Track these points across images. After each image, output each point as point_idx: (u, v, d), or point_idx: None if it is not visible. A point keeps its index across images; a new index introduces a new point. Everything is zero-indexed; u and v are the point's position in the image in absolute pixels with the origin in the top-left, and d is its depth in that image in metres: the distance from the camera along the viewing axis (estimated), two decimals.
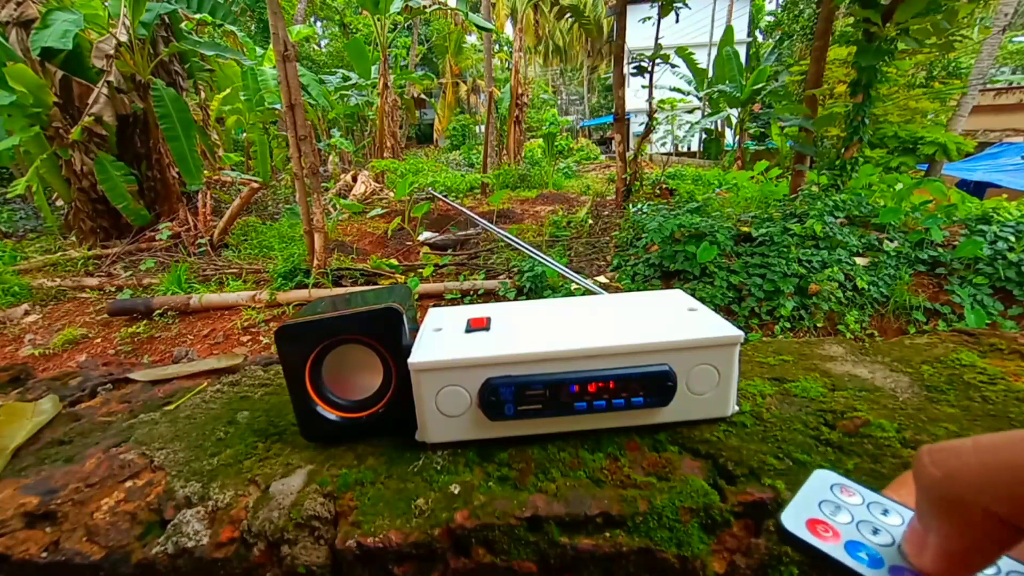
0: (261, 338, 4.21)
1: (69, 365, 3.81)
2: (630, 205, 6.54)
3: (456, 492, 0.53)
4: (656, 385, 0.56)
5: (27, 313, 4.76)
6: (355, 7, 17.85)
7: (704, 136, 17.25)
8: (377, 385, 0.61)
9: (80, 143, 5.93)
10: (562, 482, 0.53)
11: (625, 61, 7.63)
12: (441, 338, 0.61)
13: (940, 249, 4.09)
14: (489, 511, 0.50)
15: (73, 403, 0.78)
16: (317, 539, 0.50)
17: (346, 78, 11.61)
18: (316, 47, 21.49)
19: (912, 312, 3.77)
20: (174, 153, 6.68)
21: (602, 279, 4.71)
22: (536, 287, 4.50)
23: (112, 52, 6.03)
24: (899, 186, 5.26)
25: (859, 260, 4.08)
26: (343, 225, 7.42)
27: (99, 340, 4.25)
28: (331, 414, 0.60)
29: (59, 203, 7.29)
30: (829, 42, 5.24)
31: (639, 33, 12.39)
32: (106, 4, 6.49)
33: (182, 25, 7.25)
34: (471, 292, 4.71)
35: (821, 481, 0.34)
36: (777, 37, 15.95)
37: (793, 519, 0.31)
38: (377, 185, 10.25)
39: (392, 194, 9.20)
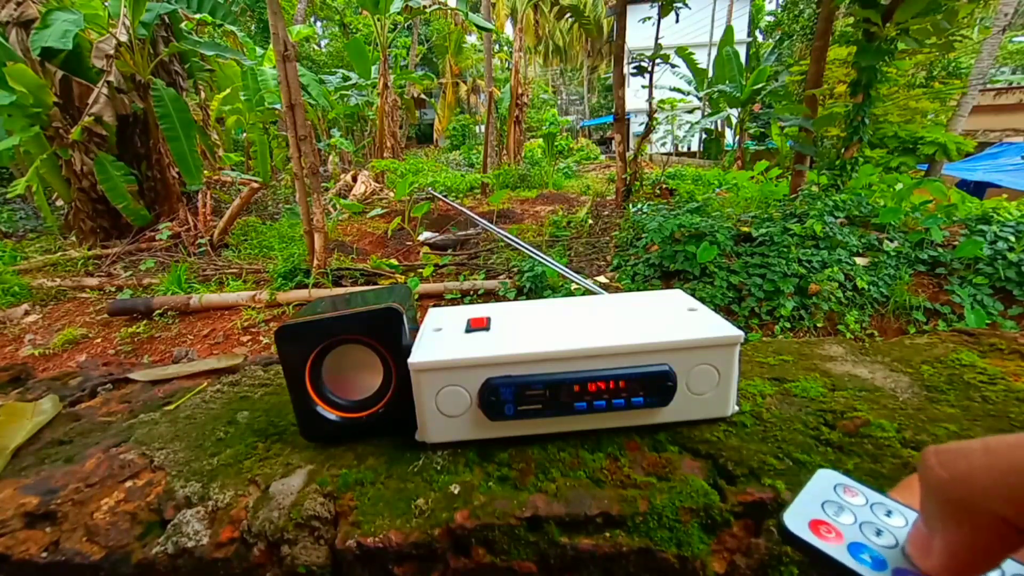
0: (261, 338, 4.21)
1: (69, 365, 3.81)
2: (630, 205, 6.54)
3: (456, 492, 0.53)
4: (656, 385, 0.56)
5: (27, 313, 4.76)
6: (355, 7, 17.84)
7: (704, 136, 17.25)
8: (377, 385, 0.61)
9: (80, 143, 5.93)
10: (562, 482, 0.53)
11: (625, 61, 7.63)
12: (441, 338, 0.61)
13: (940, 249, 4.09)
14: (489, 511, 0.50)
15: (73, 403, 0.78)
16: (317, 539, 0.50)
17: (346, 78, 11.61)
18: (316, 47, 21.48)
19: (912, 312, 3.77)
20: (174, 153, 6.68)
21: (602, 279, 4.71)
22: (536, 287, 4.50)
23: (112, 52, 6.03)
24: (899, 186, 5.26)
25: (859, 260, 4.08)
26: (343, 225, 7.42)
27: (99, 340, 4.25)
28: (331, 414, 0.60)
29: (59, 203, 7.29)
30: (829, 42, 5.23)
31: (639, 33, 12.39)
32: (106, 4, 6.49)
33: (182, 25, 7.25)
34: (471, 292, 4.71)
35: (824, 481, 0.34)
36: (777, 37, 15.95)
37: (795, 519, 0.30)
38: (377, 185, 10.25)
39: (392, 194, 9.20)
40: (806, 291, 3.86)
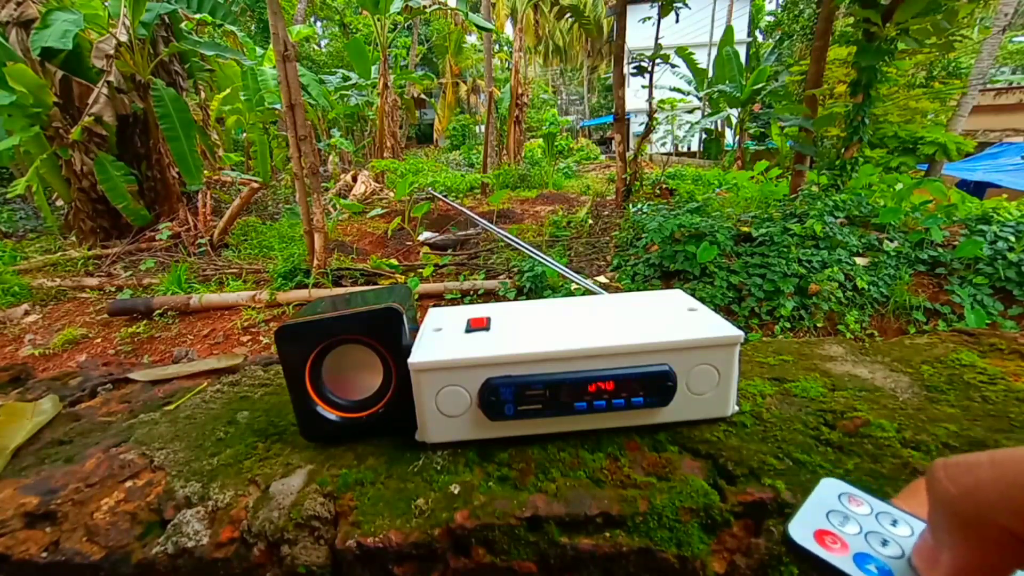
0: (261, 338, 4.21)
1: (69, 365, 3.81)
2: (630, 205, 6.54)
3: (456, 492, 0.53)
4: (656, 385, 0.56)
5: (27, 313, 4.76)
6: (355, 7, 17.85)
7: (704, 136, 17.25)
8: (377, 385, 0.61)
9: (80, 143, 5.93)
10: (562, 482, 0.53)
11: (625, 61, 7.62)
12: (441, 338, 0.61)
13: (940, 249, 4.09)
14: (489, 511, 0.50)
15: (73, 403, 0.78)
16: (317, 539, 0.50)
17: (346, 78, 11.61)
18: (316, 47, 21.48)
19: (912, 312, 3.77)
20: (174, 153, 6.68)
21: (602, 279, 4.71)
22: (536, 287, 4.50)
23: (112, 52, 6.03)
24: (899, 186, 5.26)
25: (859, 260, 4.08)
26: (343, 225, 7.42)
27: (99, 340, 4.25)
28: (331, 414, 0.60)
29: (59, 203, 7.29)
30: (829, 42, 5.23)
31: (639, 33, 12.39)
32: (106, 4, 6.49)
33: (182, 25, 7.24)
34: (471, 292, 4.71)
35: (828, 490, 0.34)
36: (777, 37, 15.95)
37: (801, 530, 0.30)
38: (377, 185, 10.25)
39: (392, 194, 9.20)
40: (806, 291, 3.86)
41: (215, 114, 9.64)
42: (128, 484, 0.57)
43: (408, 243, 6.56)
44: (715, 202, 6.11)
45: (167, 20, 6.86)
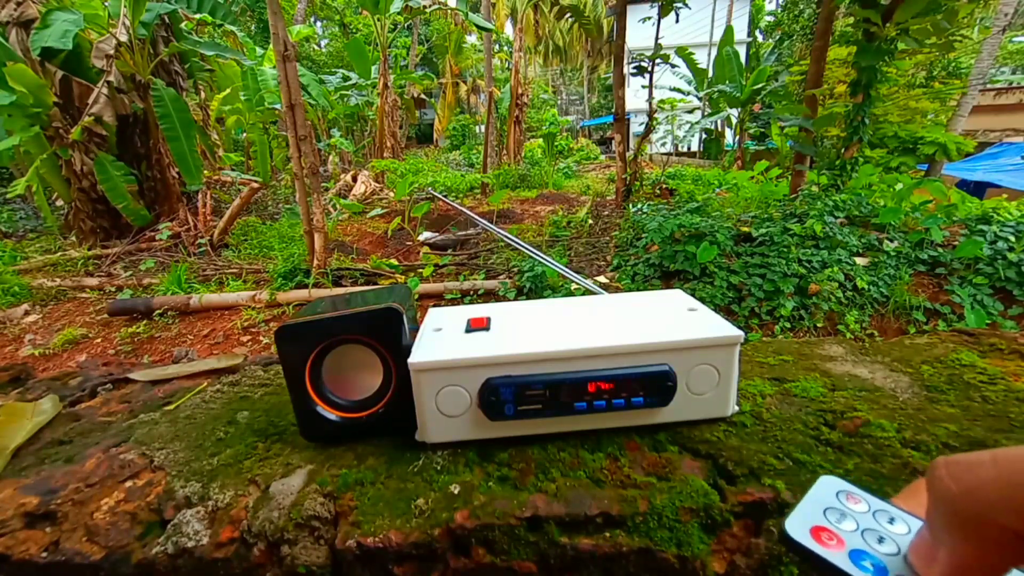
0: (261, 338, 4.21)
1: (69, 365, 3.81)
2: (630, 205, 6.53)
3: (456, 492, 0.53)
4: (656, 385, 0.56)
5: (27, 313, 4.76)
6: (355, 7, 17.84)
7: (704, 136, 17.24)
8: (377, 385, 0.61)
9: (80, 143, 5.93)
10: (562, 482, 0.53)
11: (625, 61, 7.62)
12: (441, 338, 0.61)
13: (940, 249, 4.09)
14: (489, 511, 0.50)
15: (73, 403, 0.78)
16: (317, 539, 0.50)
17: (346, 78, 11.61)
18: (316, 47, 21.48)
19: (912, 312, 3.77)
20: (174, 153, 6.68)
21: (602, 279, 4.71)
22: (536, 287, 4.50)
23: (112, 52, 6.02)
24: (899, 186, 5.25)
25: (859, 260, 4.08)
26: (343, 225, 7.42)
27: (99, 340, 4.25)
28: (331, 414, 0.60)
29: (59, 203, 7.29)
30: (829, 42, 5.23)
31: (639, 33, 12.39)
32: (106, 4, 6.48)
33: (182, 25, 7.24)
34: (471, 292, 4.71)
35: (827, 487, 0.34)
36: (777, 37, 15.94)
37: (797, 526, 0.30)
38: (377, 185, 10.25)
39: (392, 194, 9.20)
40: (806, 291, 3.86)
41: (215, 114, 9.64)
42: (128, 484, 0.57)
43: (408, 243, 6.55)
44: (715, 202, 6.11)
45: (167, 20, 6.86)
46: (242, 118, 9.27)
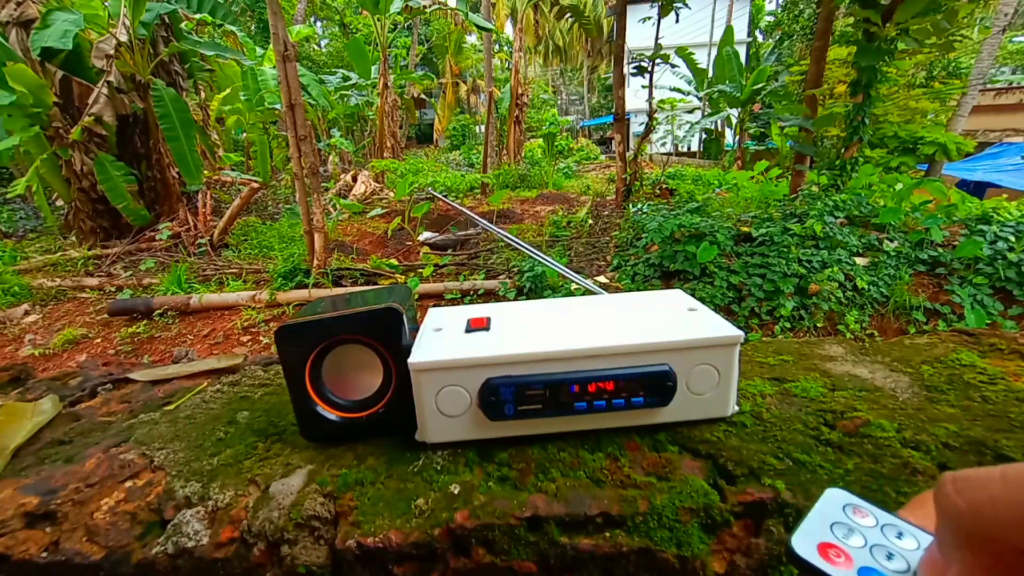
0: (261, 338, 4.21)
1: (69, 365, 3.81)
2: (630, 205, 6.53)
3: (456, 492, 0.53)
4: (656, 385, 0.56)
5: (27, 313, 4.76)
6: (355, 7, 17.85)
7: (704, 136, 17.25)
8: (377, 385, 0.61)
9: (80, 143, 5.93)
10: (562, 482, 0.53)
11: (625, 61, 7.62)
12: (441, 338, 0.61)
13: (940, 249, 4.09)
14: (489, 511, 0.50)
15: (73, 403, 0.78)
16: (317, 539, 0.50)
17: (346, 78, 11.61)
18: (316, 47, 21.48)
19: (912, 312, 3.77)
20: (174, 153, 6.68)
21: (602, 279, 4.71)
22: (536, 287, 4.50)
23: (112, 52, 6.03)
24: (899, 186, 5.25)
25: (859, 260, 4.08)
26: (343, 225, 7.42)
27: (99, 340, 4.25)
28: (331, 414, 0.60)
29: (59, 203, 7.29)
30: (829, 42, 5.23)
31: (639, 33, 12.39)
32: (106, 4, 6.48)
33: (182, 25, 7.24)
34: (471, 292, 4.71)
35: (833, 501, 0.33)
36: (777, 37, 15.95)
37: (804, 542, 0.30)
38: (377, 185, 10.25)
39: (392, 194, 9.20)
40: (806, 291, 3.86)
41: (215, 114, 9.64)
42: (128, 484, 0.57)
43: (408, 243, 6.55)
44: (715, 202, 6.11)
45: (167, 20, 6.86)
46: (242, 118, 9.27)
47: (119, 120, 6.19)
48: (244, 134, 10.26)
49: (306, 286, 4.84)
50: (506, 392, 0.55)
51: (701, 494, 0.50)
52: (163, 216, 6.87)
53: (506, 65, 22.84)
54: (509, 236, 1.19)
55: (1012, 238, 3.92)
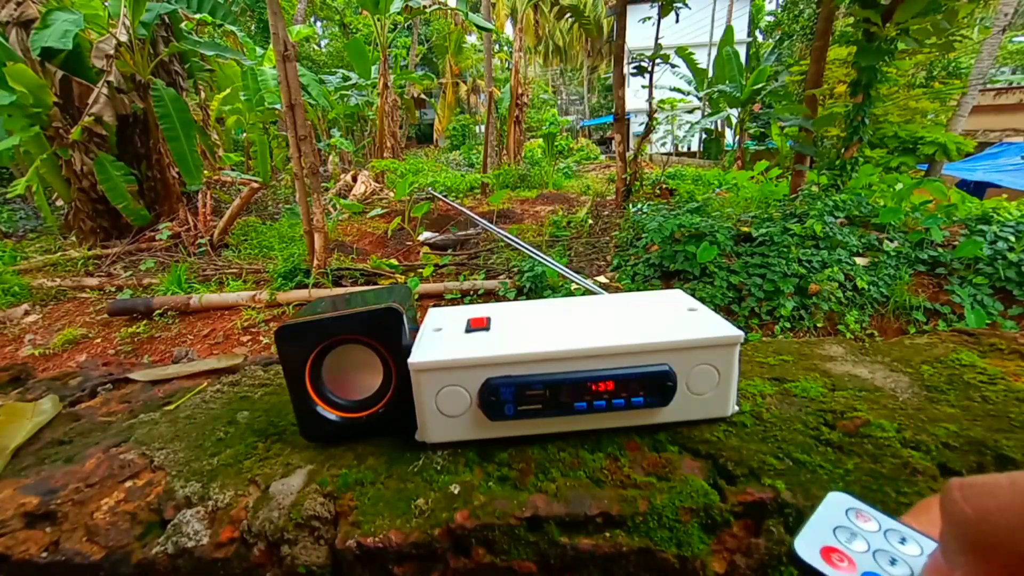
0: (261, 338, 4.21)
1: (69, 365, 3.81)
2: (630, 205, 6.53)
3: (456, 492, 0.53)
4: (656, 385, 0.56)
5: (27, 313, 4.76)
6: (355, 7, 17.85)
7: (704, 136, 17.25)
8: (377, 385, 0.61)
9: (80, 143, 5.93)
10: (562, 482, 0.53)
11: (625, 61, 7.62)
12: (441, 338, 0.61)
13: (940, 249, 4.09)
14: (489, 511, 0.50)
15: (73, 403, 0.78)
16: (317, 539, 0.50)
17: (346, 78, 11.61)
18: (316, 47, 21.48)
19: (912, 312, 3.77)
20: (174, 153, 6.68)
21: (602, 279, 4.71)
22: (536, 287, 4.49)
23: (112, 52, 6.03)
24: (899, 186, 5.25)
25: (859, 260, 4.08)
26: (343, 225, 7.42)
27: (99, 340, 4.25)
28: (331, 414, 0.60)
29: (59, 203, 7.29)
30: (829, 42, 5.23)
31: (639, 33, 12.39)
32: (106, 4, 6.49)
33: (182, 25, 7.24)
34: (471, 292, 4.71)
35: (835, 505, 0.33)
36: (777, 37, 15.94)
37: (807, 546, 0.30)
38: (377, 185, 10.25)
39: (392, 194, 9.20)
40: (806, 291, 3.86)
41: (215, 114, 9.64)
42: (128, 484, 0.57)
43: (408, 243, 6.55)
44: (715, 202, 6.11)
45: (167, 20, 6.86)
46: (242, 118, 9.27)
47: (119, 120, 6.19)
48: (244, 134, 10.26)
49: (306, 286, 4.84)
50: (506, 392, 0.55)
51: (701, 494, 0.50)
52: (163, 216, 6.87)
53: (506, 65, 22.84)
54: (509, 236, 1.19)
55: (1012, 238, 3.92)
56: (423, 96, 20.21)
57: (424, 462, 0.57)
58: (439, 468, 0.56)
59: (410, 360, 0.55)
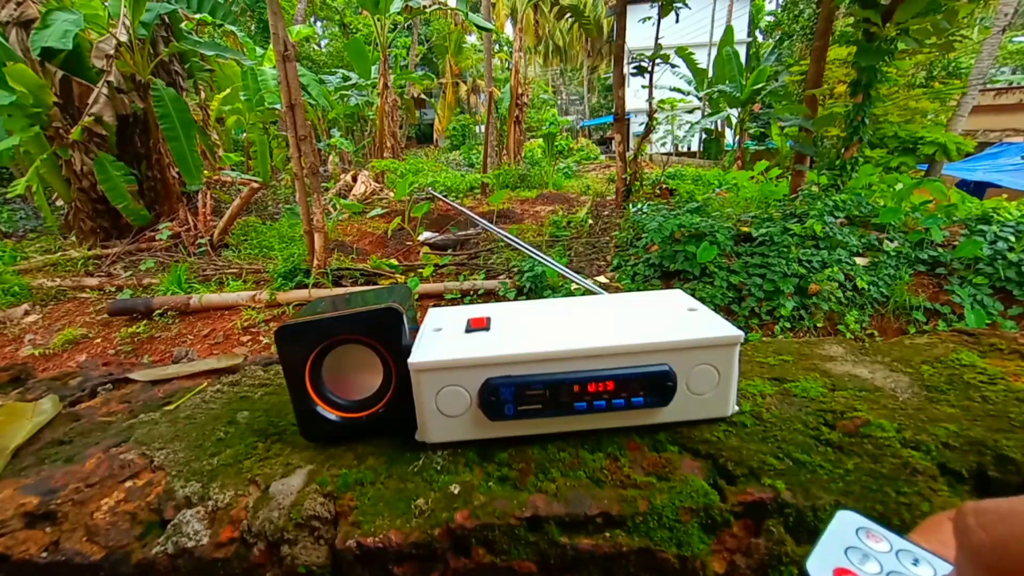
0: (261, 338, 4.20)
1: (69, 365, 3.81)
2: (630, 205, 6.53)
3: (456, 492, 0.53)
4: (656, 385, 0.56)
5: (27, 313, 4.76)
6: (355, 7, 17.85)
7: (704, 136, 17.25)
8: (377, 385, 0.61)
9: (80, 143, 5.93)
10: (562, 482, 0.53)
11: (625, 61, 7.62)
12: (441, 338, 0.61)
13: (940, 249, 4.09)
14: (489, 511, 0.50)
15: (73, 403, 0.78)
16: (317, 539, 0.50)
17: (346, 78, 11.61)
18: (316, 47, 21.48)
19: (912, 312, 3.77)
20: (174, 153, 6.68)
21: (602, 279, 4.71)
22: (536, 287, 4.49)
23: (112, 52, 6.02)
24: (899, 186, 5.25)
25: (859, 260, 4.08)
26: (343, 225, 7.42)
27: (99, 340, 4.25)
28: (331, 414, 0.60)
29: (59, 203, 7.29)
30: (829, 42, 5.23)
31: (639, 33, 12.39)
32: (106, 4, 6.49)
33: (182, 25, 7.24)
34: (471, 292, 4.71)
35: (845, 524, 0.33)
36: (777, 37, 15.95)
37: (819, 567, 0.29)
38: (377, 185, 10.25)
39: (392, 194, 9.20)
40: (806, 291, 3.86)
41: (215, 114, 9.64)
42: (128, 484, 0.57)
43: (408, 243, 6.55)
44: (715, 202, 6.11)
45: (167, 20, 6.86)
46: (242, 118, 9.27)
47: (119, 120, 6.19)
48: (244, 134, 10.26)
49: (306, 286, 4.84)
50: (506, 392, 0.55)
51: (701, 494, 0.50)
52: (163, 216, 6.87)
53: (506, 65, 22.84)
54: (509, 236, 1.19)
55: (1012, 238, 3.92)
56: (423, 96, 20.22)
57: (424, 462, 0.57)
58: (439, 468, 0.56)
59: (410, 360, 0.55)
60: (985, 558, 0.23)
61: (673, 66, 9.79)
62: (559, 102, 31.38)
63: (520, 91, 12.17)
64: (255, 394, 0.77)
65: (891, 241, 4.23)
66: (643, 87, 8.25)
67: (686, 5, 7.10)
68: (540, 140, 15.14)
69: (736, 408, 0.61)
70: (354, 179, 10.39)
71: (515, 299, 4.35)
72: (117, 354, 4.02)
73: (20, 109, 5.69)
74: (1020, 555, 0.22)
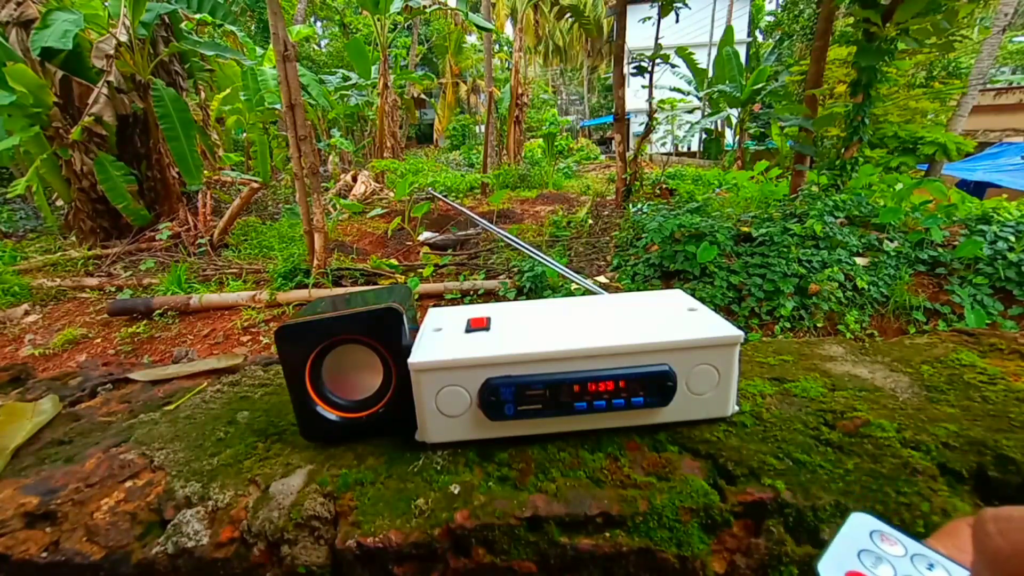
0: (261, 338, 4.20)
1: (69, 365, 3.81)
2: (630, 205, 6.53)
3: (456, 492, 0.53)
4: (656, 385, 0.56)
5: (27, 313, 4.76)
6: (355, 7, 17.85)
7: (704, 136, 17.25)
8: (377, 385, 0.61)
9: (80, 143, 5.93)
10: (562, 482, 0.53)
11: (625, 61, 7.62)
12: (441, 338, 0.61)
13: (940, 249, 4.09)
14: (489, 511, 0.50)
15: (73, 403, 0.78)
16: (317, 539, 0.50)
17: (346, 78, 11.61)
18: (316, 47, 21.48)
19: (912, 312, 3.77)
20: (174, 153, 6.68)
21: (602, 279, 4.71)
22: (536, 287, 4.49)
23: (112, 52, 6.02)
24: (899, 186, 5.25)
25: (859, 260, 4.08)
26: (343, 225, 7.42)
27: (99, 340, 4.25)
28: (331, 414, 0.60)
29: (59, 203, 7.29)
30: (829, 42, 5.23)
31: (639, 33, 12.38)
32: (106, 4, 6.49)
33: (182, 25, 7.24)
34: (471, 292, 4.71)
35: (859, 527, 0.32)
36: (777, 37, 15.95)
37: (831, 569, 0.29)
38: (377, 185, 10.25)
39: (392, 194, 9.20)
40: (806, 291, 3.86)
41: (215, 114, 9.64)
42: (128, 484, 0.57)
43: (408, 243, 6.55)
44: (715, 202, 6.10)
45: (167, 20, 6.86)
46: (242, 118, 9.27)
47: (119, 120, 6.19)
48: (244, 134, 10.26)
49: (306, 286, 4.84)
50: (506, 392, 0.55)
51: (701, 494, 0.50)
52: (163, 216, 6.87)
53: (506, 65, 22.85)
54: (509, 236, 1.19)
55: (1012, 238, 3.92)
56: (423, 96, 20.23)
57: (424, 462, 0.57)
58: (439, 468, 0.56)
59: (410, 360, 0.55)
60: (1002, 565, 0.23)
61: (673, 66, 9.79)
62: (559, 102, 31.37)
63: (520, 91, 12.17)
64: (255, 394, 0.77)
65: (891, 241, 4.23)
66: (643, 87, 8.25)
67: (686, 5, 7.10)
68: (540, 140, 15.14)
69: (736, 408, 0.61)
70: (354, 179, 10.39)
71: (515, 299, 4.35)
72: (117, 354, 4.02)
73: (20, 109, 5.69)
74: None
